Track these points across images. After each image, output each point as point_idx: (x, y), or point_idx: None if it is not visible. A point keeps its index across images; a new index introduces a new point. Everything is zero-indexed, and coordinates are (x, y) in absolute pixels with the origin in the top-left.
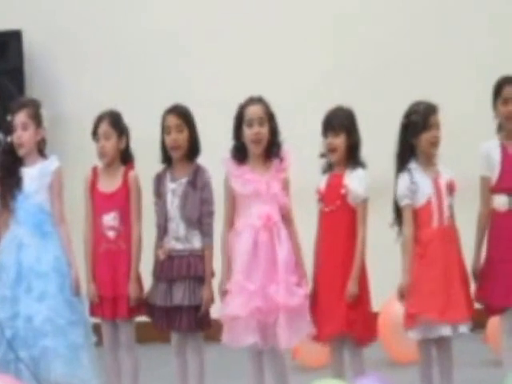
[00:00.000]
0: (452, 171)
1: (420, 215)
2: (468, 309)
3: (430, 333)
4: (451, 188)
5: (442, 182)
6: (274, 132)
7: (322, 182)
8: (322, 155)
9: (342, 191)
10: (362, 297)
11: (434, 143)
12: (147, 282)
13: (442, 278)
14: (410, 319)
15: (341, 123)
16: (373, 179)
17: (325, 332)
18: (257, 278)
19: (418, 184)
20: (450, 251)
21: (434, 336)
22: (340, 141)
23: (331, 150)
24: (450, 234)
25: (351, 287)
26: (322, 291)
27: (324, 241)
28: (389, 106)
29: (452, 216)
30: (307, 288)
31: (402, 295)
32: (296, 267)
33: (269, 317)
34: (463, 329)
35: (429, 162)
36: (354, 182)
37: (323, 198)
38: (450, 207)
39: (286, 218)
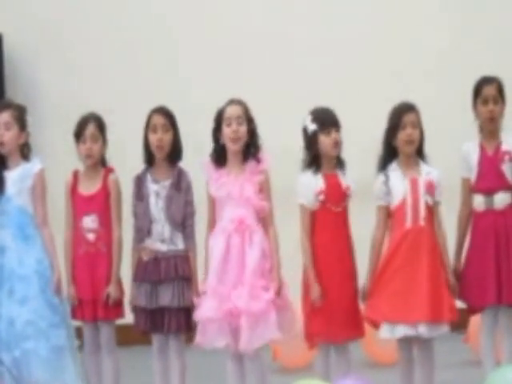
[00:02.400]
0: (436, 172)
1: (395, 215)
2: (432, 311)
3: (395, 332)
4: (430, 188)
5: (421, 182)
6: (252, 134)
7: (318, 181)
8: (311, 149)
9: (348, 192)
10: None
11: (409, 141)
12: (127, 284)
13: (408, 279)
14: (371, 322)
15: (338, 121)
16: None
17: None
18: (228, 281)
19: (393, 185)
20: (420, 252)
21: (399, 335)
22: (340, 137)
23: (336, 145)
24: (423, 235)
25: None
26: (336, 295)
27: (333, 242)
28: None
29: (434, 217)
30: (282, 292)
31: (364, 297)
32: (268, 271)
33: (237, 319)
34: (442, 329)
35: (409, 161)
36: (350, 182)
37: (329, 197)
38: (431, 208)
39: (265, 220)
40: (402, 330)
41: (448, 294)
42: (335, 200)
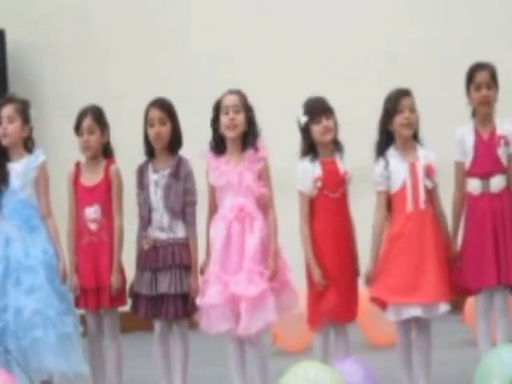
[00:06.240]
0: (433, 155)
1: (396, 200)
2: (440, 290)
3: (401, 314)
4: (429, 172)
5: (419, 166)
6: (250, 122)
7: (315, 168)
8: (306, 140)
9: (347, 177)
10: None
11: (406, 125)
12: (130, 272)
13: (414, 260)
14: (379, 303)
15: (330, 107)
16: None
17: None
18: (230, 268)
19: (393, 170)
20: (424, 234)
21: (406, 317)
22: (332, 123)
23: (327, 131)
24: (425, 218)
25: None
26: (337, 277)
27: (331, 227)
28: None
29: (433, 200)
30: (280, 273)
31: (369, 280)
32: (265, 256)
33: (239, 305)
34: (443, 309)
35: (406, 146)
36: (346, 168)
37: (326, 184)
38: (431, 191)
39: (264, 206)
40: (409, 312)
41: (451, 273)
42: (333, 186)
